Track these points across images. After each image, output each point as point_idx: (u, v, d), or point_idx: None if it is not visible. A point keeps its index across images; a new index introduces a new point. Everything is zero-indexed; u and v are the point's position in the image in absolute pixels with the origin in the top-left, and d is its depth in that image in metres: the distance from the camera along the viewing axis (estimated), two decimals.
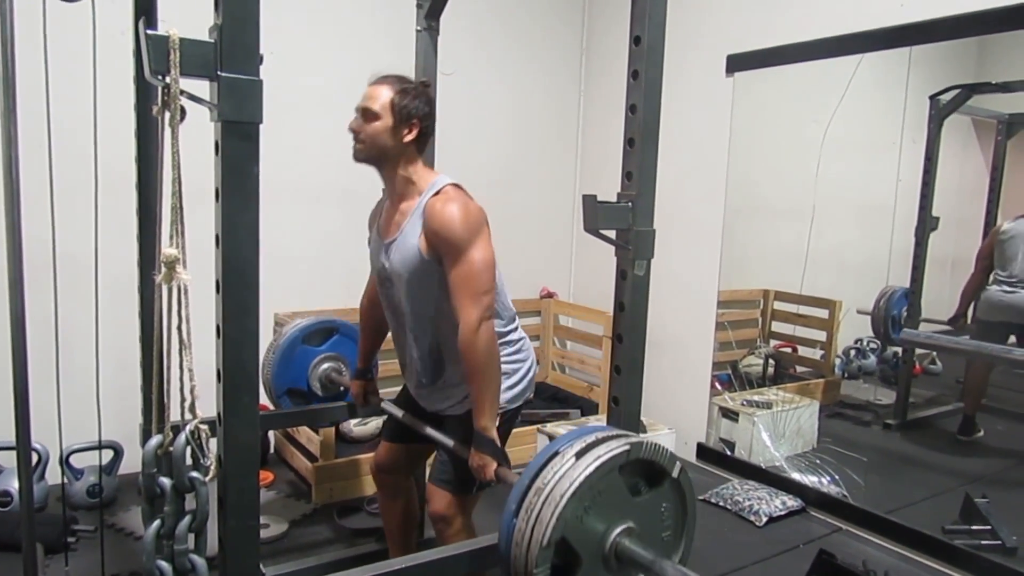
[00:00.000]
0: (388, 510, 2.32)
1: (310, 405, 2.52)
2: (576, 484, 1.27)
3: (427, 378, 2.02)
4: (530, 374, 2.08)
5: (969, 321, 3.21)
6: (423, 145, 1.91)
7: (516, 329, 2.07)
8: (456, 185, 1.88)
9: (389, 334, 2.18)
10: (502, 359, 1.99)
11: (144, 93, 1.95)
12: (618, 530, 1.34)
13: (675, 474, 1.42)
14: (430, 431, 2.04)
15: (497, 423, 1.93)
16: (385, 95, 1.83)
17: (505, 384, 1.98)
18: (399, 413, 2.20)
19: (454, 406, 2.00)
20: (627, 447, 1.33)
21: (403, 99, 1.83)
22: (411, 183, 1.89)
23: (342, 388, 2.47)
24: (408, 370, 2.10)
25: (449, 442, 1.94)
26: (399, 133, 1.84)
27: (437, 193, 1.84)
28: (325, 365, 2.52)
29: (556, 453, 1.34)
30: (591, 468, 1.29)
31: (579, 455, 1.32)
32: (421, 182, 1.88)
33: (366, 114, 1.84)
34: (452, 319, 1.81)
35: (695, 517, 1.48)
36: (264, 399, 2.59)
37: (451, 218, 1.77)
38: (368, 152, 1.86)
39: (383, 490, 2.31)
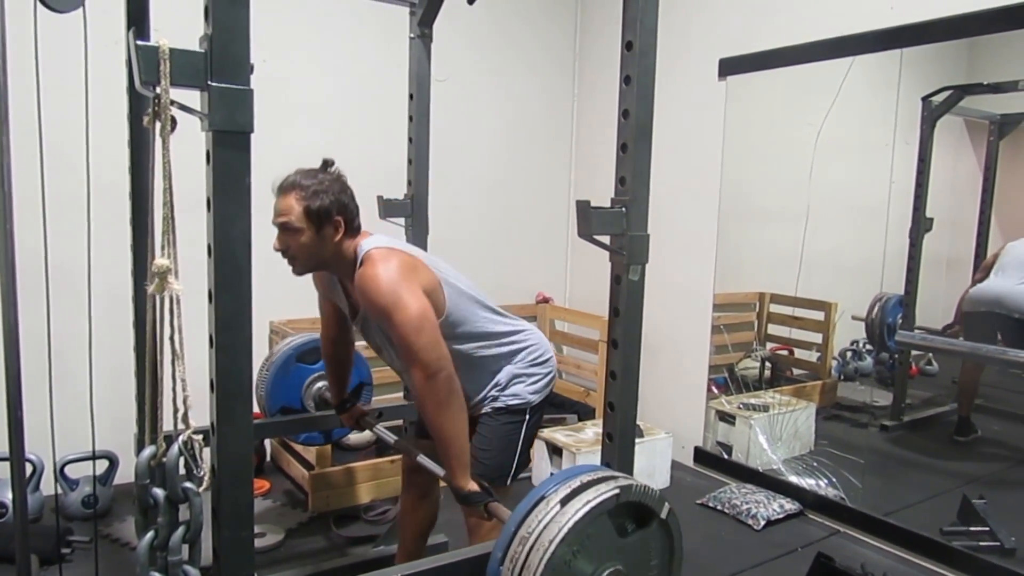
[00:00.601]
0: (411, 511, 2.30)
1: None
2: (565, 530, 1.28)
3: None
4: (547, 368, 2.09)
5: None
6: (352, 228, 1.86)
7: (518, 332, 2.07)
8: (378, 246, 1.83)
9: (354, 355, 2.29)
10: (515, 366, 2.02)
11: (137, 103, 1.94)
12: (606, 573, 1.35)
13: (663, 515, 1.43)
14: (421, 459, 2.04)
15: (526, 418, 2.00)
16: (296, 206, 1.77)
17: (527, 383, 2.02)
18: (391, 439, 2.22)
19: (477, 406, 2.01)
20: (617, 491, 1.34)
21: (315, 202, 1.77)
22: (352, 264, 1.86)
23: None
24: None
25: (440, 471, 1.93)
26: (326, 237, 1.80)
27: (362, 264, 1.82)
28: (319, 384, 2.52)
29: (542, 498, 1.35)
30: (580, 513, 1.30)
31: (564, 502, 1.32)
32: (355, 259, 1.85)
33: (285, 230, 1.79)
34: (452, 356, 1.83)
35: (682, 557, 1.49)
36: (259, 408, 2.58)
37: (369, 289, 1.74)
38: (306, 265, 1.85)
39: (411, 489, 2.29)
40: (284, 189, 1.80)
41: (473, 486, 1.79)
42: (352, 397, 2.35)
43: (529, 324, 2.15)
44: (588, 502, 1.31)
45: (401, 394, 2.75)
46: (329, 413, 2.48)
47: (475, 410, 2.02)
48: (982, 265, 3.15)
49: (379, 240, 1.87)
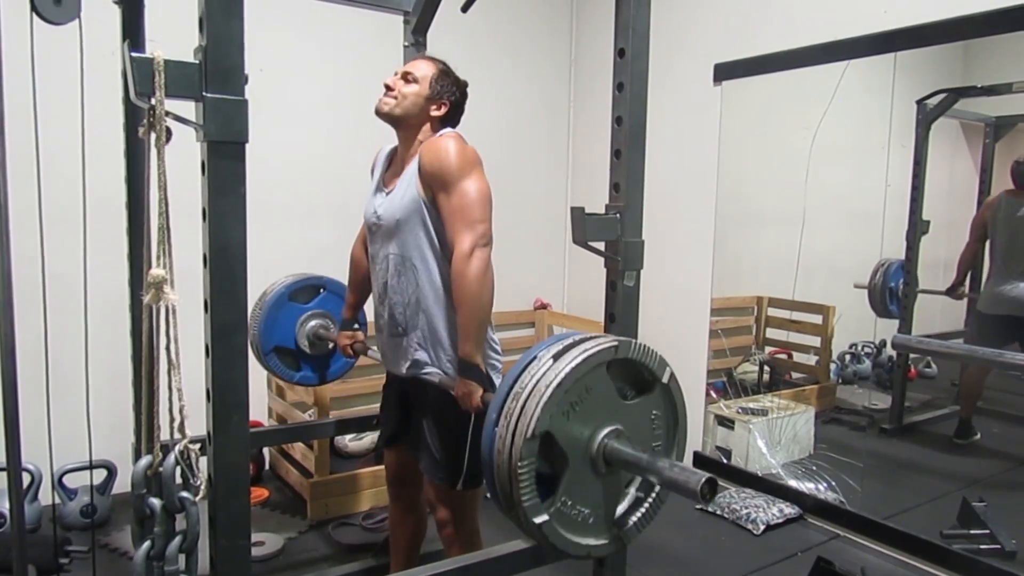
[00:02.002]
0: (399, 524, 2.28)
1: (302, 367, 2.52)
2: (563, 375, 1.22)
3: (403, 327, 1.97)
4: (500, 362, 2.03)
5: (966, 292, 3.20)
6: (448, 123, 1.98)
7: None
8: (460, 135, 1.92)
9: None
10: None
11: (133, 114, 1.95)
12: (606, 431, 1.29)
13: (665, 379, 1.38)
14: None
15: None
16: (429, 68, 1.94)
17: (489, 360, 1.96)
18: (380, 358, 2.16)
19: (429, 366, 1.95)
20: (615, 343, 1.29)
21: (443, 79, 1.94)
22: (422, 143, 1.93)
23: (330, 345, 2.45)
24: (386, 321, 2.02)
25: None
26: (429, 105, 1.93)
27: (440, 136, 1.90)
28: (313, 322, 2.49)
29: (533, 358, 1.29)
30: (578, 361, 1.24)
31: (557, 356, 1.26)
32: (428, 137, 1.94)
33: (406, 77, 1.93)
34: (435, 267, 1.86)
35: (686, 426, 1.45)
36: (254, 416, 2.58)
37: (444, 151, 1.82)
38: (394, 109, 1.92)
39: (397, 503, 2.27)
40: (428, 58, 2.01)
41: (480, 362, 1.79)
42: (358, 319, 2.36)
43: None
44: (586, 351, 1.26)
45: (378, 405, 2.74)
46: (327, 421, 2.49)
47: (418, 366, 1.95)
48: (974, 221, 3.13)
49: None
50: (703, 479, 1.15)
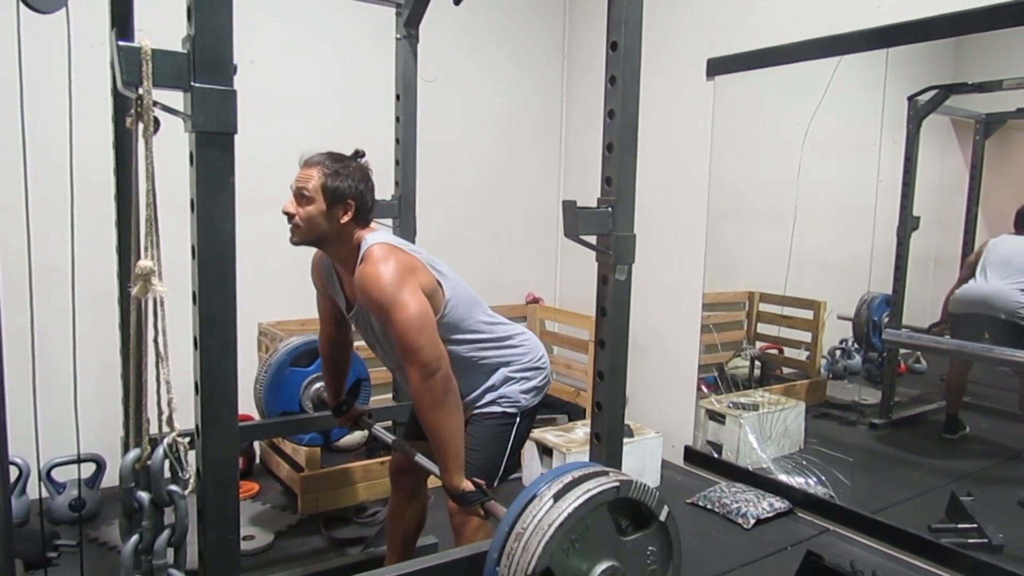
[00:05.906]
0: (400, 513, 2.29)
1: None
2: (564, 515, 1.27)
3: None
4: (541, 372, 2.08)
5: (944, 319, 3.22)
6: (363, 219, 1.90)
7: (513, 336, 2.07)
8: (381, 243, 1.86)
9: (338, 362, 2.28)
10: (510, 368, 2.03)
11: (122, 104, 1.93)
12: (603, 568, 1.33)
13: (663, 518, 1.41)
14: (419, 458, 2.06)
15: (517, 421, 2.01)
16: (316, 178, 1.83)
17: (521, 386, 2.02)
18: (390, 439, 2.22)
19: (469, 406, 2.01)
20: (617, 484, 1.33)
21: (334, 181, 1.83)
22: (352, 254, 1.89)
23: None
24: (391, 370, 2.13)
25: (435, 468, 1.94)
26: (334, 215, 1.85)
27: (363, 260, 1.85)
28: (316, 385, 2.51)
29: (533, 496, 1.33)
30: (580, 501, 1.28)
31: (557, 496, 1.31)
32: (357, 251, 1.88)
33: (300, 197, 1.84)
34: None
35: (680, 563, 1.48)
36: (244, 409, 2.57)
37: (371, 285, 1.77)
38: (305, 236, 1.87)
39: (399, 491, 2.28)
40: (310, 163, 1.87)
41: (468, 485, 1.80)
42: (350, 398, 2.35)
43: (524, 328, 2.15)
44: (588, 491, 1.30)
45: (391, 395, 2.74)
46: (319, 415, 2.47)
47: (467, 411, 2.02)
48: (966, 263, 3.16)
49: (382, 237, 1.90)
50: None
